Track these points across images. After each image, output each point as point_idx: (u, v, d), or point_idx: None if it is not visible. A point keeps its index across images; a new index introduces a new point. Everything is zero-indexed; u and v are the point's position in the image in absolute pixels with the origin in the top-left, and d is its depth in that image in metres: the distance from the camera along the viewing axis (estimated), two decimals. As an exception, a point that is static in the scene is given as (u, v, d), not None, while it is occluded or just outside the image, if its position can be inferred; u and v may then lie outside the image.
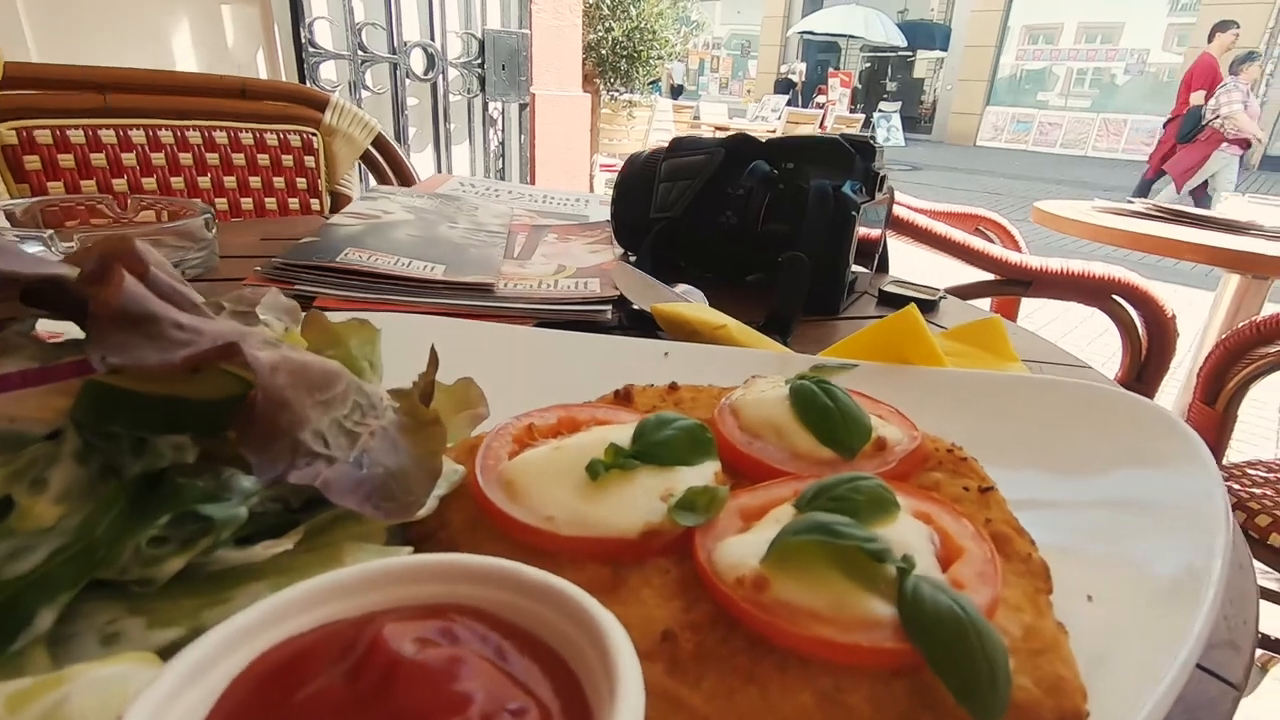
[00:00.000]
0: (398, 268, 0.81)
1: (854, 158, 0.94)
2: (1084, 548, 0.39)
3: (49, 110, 1.39)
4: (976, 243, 1.88)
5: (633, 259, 0.98)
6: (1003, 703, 0.25)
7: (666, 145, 1.06)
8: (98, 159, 1.45)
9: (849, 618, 0.28)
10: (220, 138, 1.59)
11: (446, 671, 0.23)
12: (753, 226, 0.99)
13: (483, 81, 4.30)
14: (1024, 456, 0.48)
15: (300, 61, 3.44)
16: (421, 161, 4.10)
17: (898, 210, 1.86)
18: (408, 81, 3.84)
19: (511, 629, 0.26)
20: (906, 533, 0.33)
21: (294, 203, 1.71)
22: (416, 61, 3.90)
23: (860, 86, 20.68)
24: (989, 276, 1.97)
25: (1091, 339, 4.63)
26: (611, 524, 0.34)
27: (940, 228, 1.85)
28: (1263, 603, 1.71)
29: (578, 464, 0.36)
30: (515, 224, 1.14)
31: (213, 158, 1.59)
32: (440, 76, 4.02)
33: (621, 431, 0.39)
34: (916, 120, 21.00)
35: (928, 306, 1.02)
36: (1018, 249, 2.34)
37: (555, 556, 0.34)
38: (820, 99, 15.36)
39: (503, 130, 4.66)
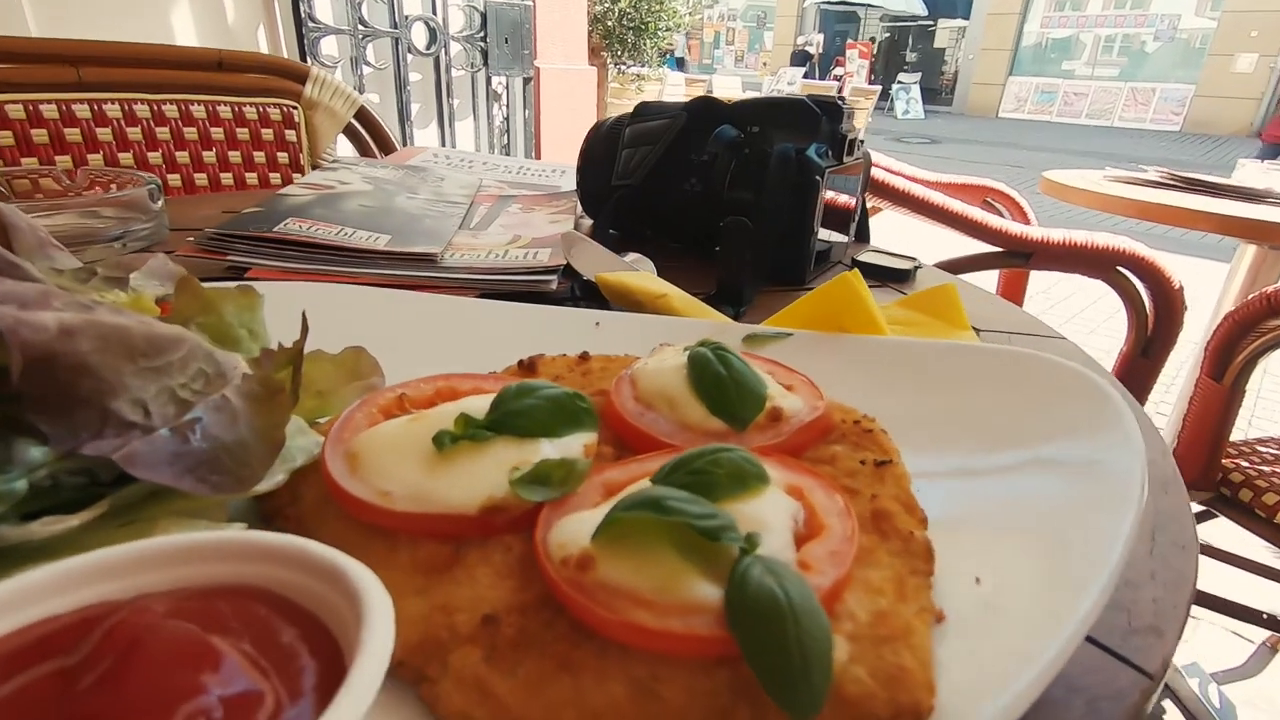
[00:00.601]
0: (339, 238, 0.79)
1: (820, 120, 0.89)
2: (990, 524, 0.36)
3: (20, 85, 1.37)
4: (975, 213, 1.82)
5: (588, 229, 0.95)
6: (816, 698, 0.23)
7: (632, 110, 1.02)
8: (72, 134, 1.44)
9: (671, 602, 0.25)
10: (198, 111, 1.57)
11: (183, 657, 0.21)
12: (717, 194, 0.95)
13: (485, 55, 4.24)
14: (949, 426, 0.45)
15: (300, 37, 3.41)
16: (426, 138, 4.06)
17: (891, 180, 1.80)
18: (409, 56, 3.79)
19: (281, 604, 0.23)
20: (765, 509, 0.30)
21: (275, 177, 1.69)
22: (418, 36, 3.85)
23: (879, 58, 20.20)
24: (991, 249, 1.90)
25: (1110, 315, 4.51)
26: (450, 499, 0.31)
27: (936, 197, 1.79)
28: (1269, 582, 1.65)
29: (428, 436, 0.33)
30: (481, 195, 1.12)
31: (190, 132, 1.57)
32: (442, 51, 3.97)
33: (486, 401, 0.36)
34: (937, 92, 20.46)
35: (903, 276, 0.98)
36: (1026, 222, 2.27)
37: (394, 534, 0.32)
38: (838, 71, 15.04)
39: (507, 105, 4.60)
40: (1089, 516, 0.34)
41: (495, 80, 4.38)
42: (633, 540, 0.27)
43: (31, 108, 1.39)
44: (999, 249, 1.88)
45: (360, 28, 3.57)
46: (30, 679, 0.20)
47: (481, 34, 4.17)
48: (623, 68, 6.10)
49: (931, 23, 20.91)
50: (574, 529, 0.28)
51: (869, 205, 2.33)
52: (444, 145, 4.08)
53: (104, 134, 1.48)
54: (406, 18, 3.75)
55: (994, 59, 19.17)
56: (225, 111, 1.61)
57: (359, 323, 0.57)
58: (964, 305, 0.68)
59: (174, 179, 1.58)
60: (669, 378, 0.41)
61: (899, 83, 16.70)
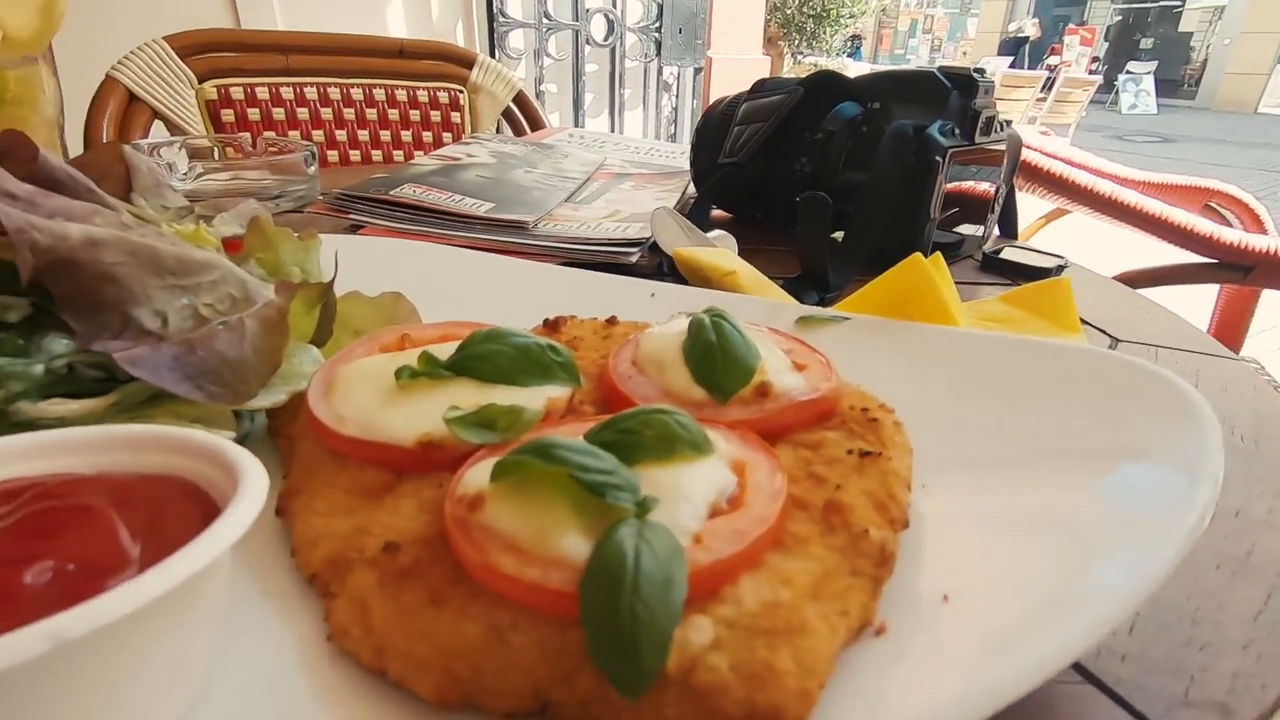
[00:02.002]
0: (445, 203, 0.84)
1: (948, 94, 0.80)
2: (1007, 536, 0.31)
3: (242, 71, 1.61)
4: (1179, 216, 1.55)
5: (675, 206, 0.93)
6: (644, 675, 0.20)
7: (751, 86, 0.99)
8: (278, 112, 1.66)
9: (540, 553, 0.24)
10: (379, 94, 1.75)
11: (71, 525, 0.23)
12: (830, 175, 0.89)
13: (659, 46, 4.31)
14: (995, 427, 0.39)
15: (491, 30, 3.68)
16: (596, 126, 4.22)
17: (1066, 173, 1.58)
18: (587, 48, 3.96)
19: (185, 488, 0.26)
20: (686, 478, 0.27)
21: (438, 156, 1.84)
22: (597, 28, 4.00)
23: (1108, 44, 17.81)
24: (1200, 260, 1.62)
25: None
26: (391, 431, 0.32)
27: (1127, 196, 1.55)
28: None
29: (395, 370, 0.35)
30: (601, 172, 1.14)
31: (371, 112, 1.76)
32: (618, 42, 4.09)
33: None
34: (1176, 83, 17.58)
35: (1043, 277, 0.86)
36: (1263, 232, 1.89)
37: (345, 458, 0.33)
38: (1052, 60, 13.47)
39: (676, 95, 4.65)
40: (1122, 543, 0.28)
41: (667, 70, 4.44)
42: (529, 489, 0.26)
43: (249, 90, 1.62)
44: (1210, 260, 1.59)
45: (545, 21, 3.78)
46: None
47: (657, 25, 4.24)
48: (799, 57, 5.91)
49: (1179, 2, 18.02)
50: (484, 471, 0.28)
51: (1053, 206, 2.07)
52: (613, 133, 4.21)
53: (302, 113, 1.69)
54: (587, 10, 3.91)
55: (1257, 44, 16.10)
56: (401, 95, 1.78)
57: (439, 276, 0.61)
58: (1119, 311, 0.58)
59: (355, 154, 1.77)
60: (666, 343, 0.39)
61: (1128, 72, 14.58)
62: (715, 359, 0.36)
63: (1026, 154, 1.99)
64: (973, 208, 0.94)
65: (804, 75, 0.92)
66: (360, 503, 0.31)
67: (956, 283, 0.83)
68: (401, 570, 0.27)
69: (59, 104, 0.69)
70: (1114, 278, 1.00)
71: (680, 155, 1.32)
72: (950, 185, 0.86)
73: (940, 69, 0.82)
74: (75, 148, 1.05)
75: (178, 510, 0.25)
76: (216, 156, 1.07)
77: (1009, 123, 0.90)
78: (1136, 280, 1.52)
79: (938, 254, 0.54)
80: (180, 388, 0.34)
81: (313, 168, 1.00)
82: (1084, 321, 0.70)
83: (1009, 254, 0.91)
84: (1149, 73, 14.63)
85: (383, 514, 0.30)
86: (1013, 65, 10.73)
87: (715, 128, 0.99)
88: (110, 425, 0.29)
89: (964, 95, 0.80)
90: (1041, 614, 0.25)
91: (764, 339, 0.41)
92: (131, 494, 0.25)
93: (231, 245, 0.48)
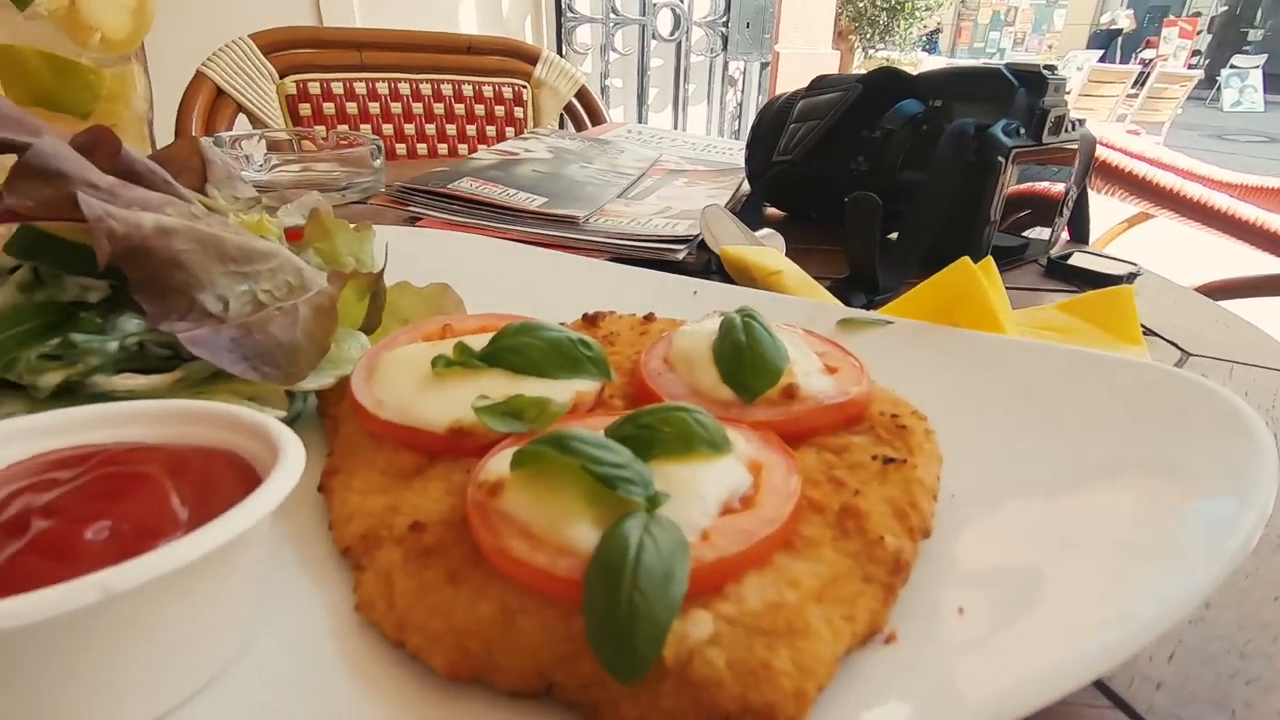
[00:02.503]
0: (500, 197, 0.87)
1: (1014, 91, 0.77)
2: (1036, 552, 0.30)
3: (319, 67, 1.68)
4: (1275, 222, 1.44)
5: (727, 204, 0.93)
6: (639, 663, 0.21)
7: (809, 83, 0.97)
8: (351, 107, 1.73)
9: (553, 541, 0.25)
10: (446, 90, 1.80)
11: (129, 488, 0.25)
12: (887, 174, 0.87)
13: (725, 40, 4.27)
14: (1036, 438, 0.38)
15: (559, 26, 3.72)
16: (660, 121, 4.22)
17: (1158, 177, 1.49)
18: (653, 42, 3.96)
19: (233, 461, 0.28)
20: (701, 475, 0.28)
21: (501, 150, 1.88)
22: (664, 22, 3.99)
23: (1211, 36, 16.63)
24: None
25: None
26: (424, 416, 0.33)
27: (1219, 200, 1.45)
28: None
29: (431, 359, 0.36)
30: (656, 168, 1.14)
31: (438, 108, 1.81)
32: (684, 36, 4.08)
33: (503, 337, 0.38)
34: (1293, 79, 16.29)
35: (1112, 285, 0.82)
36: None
37: (383, 440, 0.35)
38: (1147, 53, 12.69)
39: (742, 90, 4.60)
40: (1156, 565, 0.27)
41: (732, 66, 4.40)
42: (546, 478, 0.27)
43: (325, 85, 1.69)
44: (1310, 270, 1.48)
45: (612, 16, 3.79)
46: (32, 485, 0.26)
47: (724, 19, 4.20)
48: (871, 52, 5.76)
49: (1297, -10, 16.64)
50: (505, 459, 0.29)
51: (1138, 209, 1.96)
52: (676, 129, 4.20)
53: (374, 107, 1.75)
54: (654, 5, 3.90)
55: (1388, 35, 14.75)
56: (467, 90, 1.82)
57: (487, 269, 0.63)
58: (1193, 323, 0.55)
59: (422, 148, 1.83)
60: (697, 341, 0.40)
61: (1233, 67, 13.58)
62: (743, 358, 0.36)
63: (1106, 154, 1.89)
64: (1045, 210, 0.90)
65: (865, 72, 0.90)
66: (393, 483, 0.33)
67: (1018, 288, 0.81)
68: (425, 549, 0.28)
69: (149, 99, 0.74)
70: (1195, 288, 0.95)
71: (739, 152, 1.31)
72: (1023, 187, 0.83)
73: (1008, 65, 0.79)
74: (166, 139, 1.13)
75: (225, 480, 0.27)
76: (293, 149, 1.13)
77: (1082, 121, 0.86)
78: (1220, 291, 1.43)
79: (989, 258, 0.52)
80: (236, 368, 0.36)
81: (378, 161, 1.04)
82: (1153, 333, 0.67)
83: (1078, 260, 0.87)
84: (1256, 67, 13.56)
85: (412, 495, 0.32)
86: (1103, 59, 10.15)
87: (770, 125, 0.98)
88: (171, 400, 0.31)
89: (1032, 93, 0.77)
90: (1058, 631, 0.24)
91: (796, 340, 0.41)
92: (185, 464, 0.27)
93: (293, 235, 0.51)
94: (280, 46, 1.61)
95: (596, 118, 1.90)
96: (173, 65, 1.32)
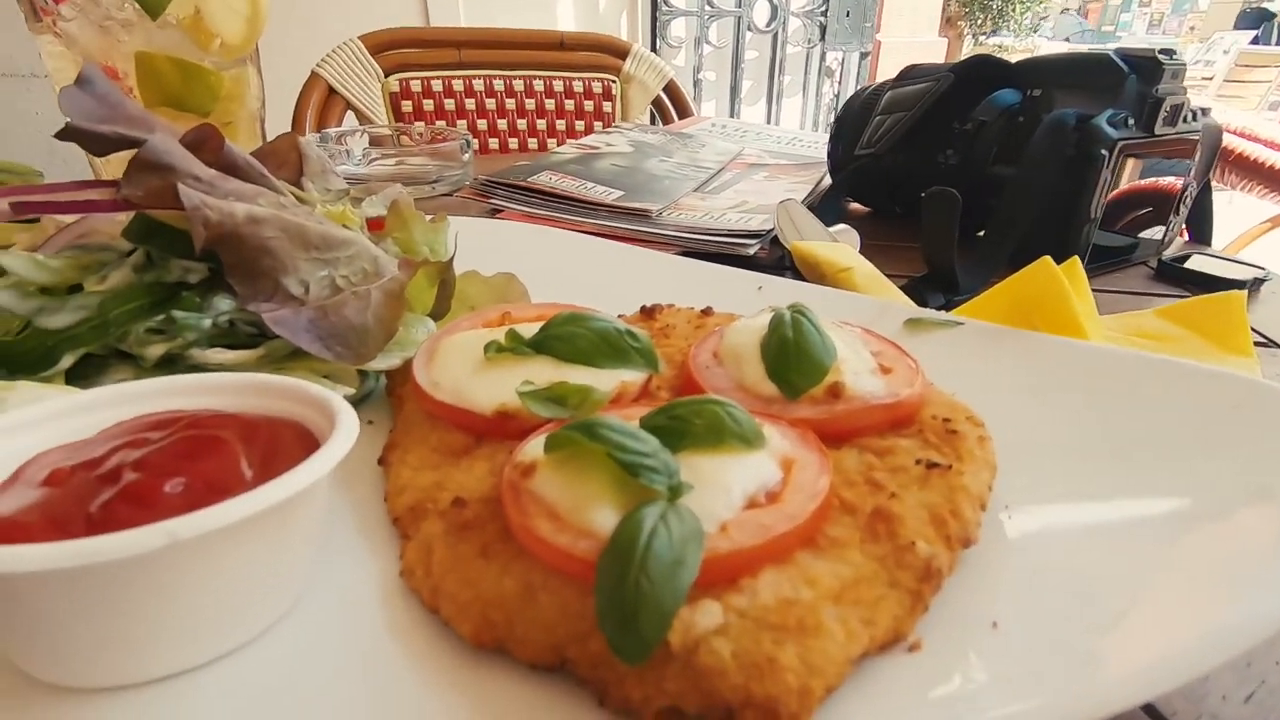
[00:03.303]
0: (577, 190, 0.88)
1: (1124, 79, 0.71)
2: (1080, 573, 0.28)
3: (421, 65, 1.77)
4: None
5: (806, 199, 0.91)
6: (642, 646, 0.21)
7: (898, 73, 0.93)
8: (449, 103, 1.81)
9: (575, 523, 0.26)
10: (538, 85, 1.85)
11: (204, 450, 0.28)
12: (978, 168, 0.82)
13: (823, 30, 4.15)
14: (1102, 452, 0.36)
15: (654, 20, 3.73)
16: (753, 115, 4.16)
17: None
18: (749, 34, 3.90)
19: (297, 430, 0.31)
20: (728, 469, 0.28)
21: (589, 144, 1.92)
22: (760, 13, 3.93)
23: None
24: None
25: None
26: (474, 399, 0.35)
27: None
28: None
29: (484, 345, 0.38)
30: (737, 162, 1.13)
31: (530, 103, 1.86)
32: (781, 27, 3.99)
33: (555, 326, 0.39)
34: None
35: (1235, 290, 0.75)
36: None
37: (438, 419, 0.37)
38: (1309, 33, 11.29)
39: (839, 81, 4.47)
40: (1224, 593, 0.25)
41: (830, 56, 4.27)
42: (578, 462, 0.28)
43: (425, 82, 1.78)
44: None
45: (707, 8, 3.77)
46: (129, 442, 0.29)
47: (823, 8, 4.08)
48: (982, 39, 5.43)
49: None
50: (541, 442, 0.30)
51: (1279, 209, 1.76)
52: (769, 122, 4.13)
53: (470, 103, 1.83)
54: (751, -4, 3.84)
55: None
56: (558, 85, 1.87)
57: (557, 260, 0.65)
58: None
59: (513, 142, 1.89)
60: (747, 336, 0.40)
61: None
62: (788, 355, 0.36)
63: (1245, 146, 1.70)
64: (1152, 206, 0.83)
65: (959, 60, 0.86)
66: (443, 460, 0.34)
67: (1121, 291, 0.75)
68: (463, 523, 0.30)
69: (262, 98, 0.80)
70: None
71: (822, 146, 1.28)
72: (1144, 183, 0.77)
73: (1118, 50, 0.73)
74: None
75: (289, 447, 0.30)
76: (393, 144, 1.19)
77: (1205, 111, 0.78)
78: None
79: (1074, 259, 0.49)
80: (313, 347, 0.39)
81: (467, 155, 1.08)
82: (1274, 344, 0.60)
83: (1195, 262, 0.80)
84: None
85: (458, 472, 0.33)
86: (1254, 42, 9.14)
87: (855, 117, 0.95)
88: (249, 374, 0.34)
89: (1144, 80, 0.71)
90: (1098, 655, 0.23)
91: (850, 339, 0.40)
92: (255, 430, 0.30)
93: (374, 224, 0.54)
94: (386, 46, 1.71)
95: (684, 111, 1.90)
96: (288, 66, 1.43)
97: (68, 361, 0.36)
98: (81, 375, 0.37)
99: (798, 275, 0.70)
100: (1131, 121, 0.70)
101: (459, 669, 0.26)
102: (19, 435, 0.29)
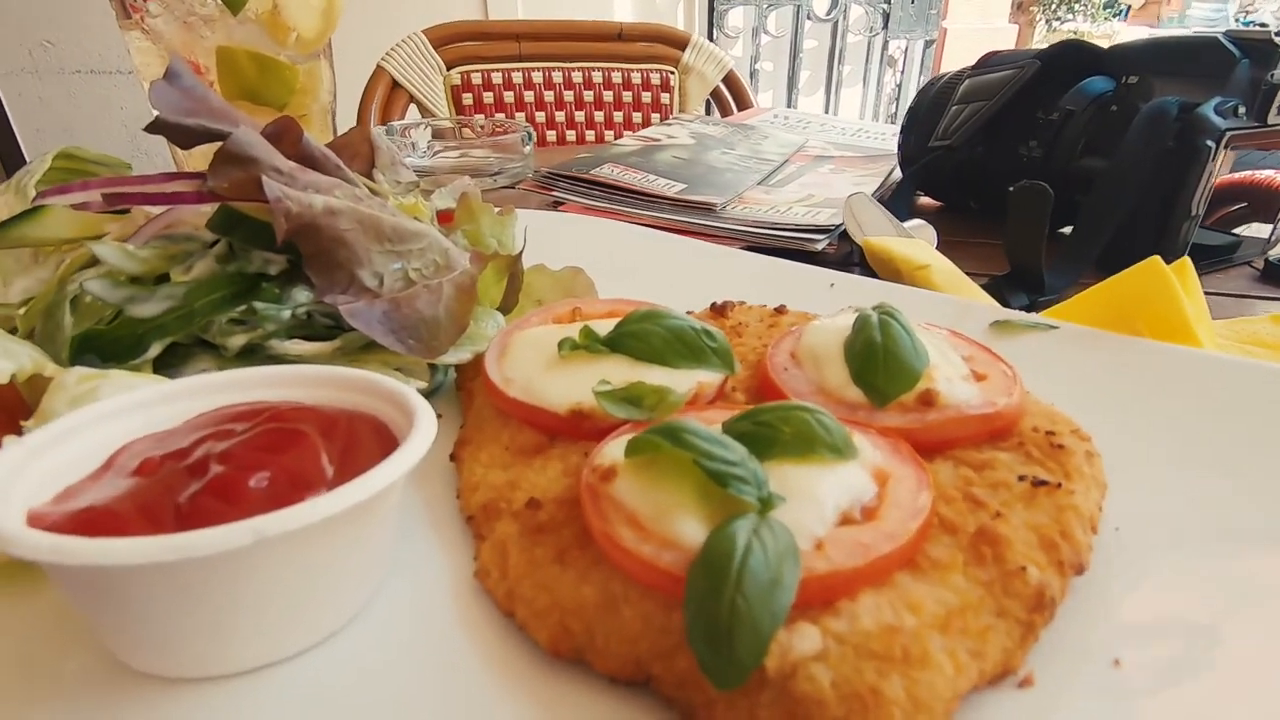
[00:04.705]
0: (639, 183, 0.87)
1: (1234, 65, 0.66)
2: (1203, 606, 0.26)
3: (481, 58, 1.79)
4: None
5: (875, 192, 0.87)
6: (737, 670, 0.20)
7: (977, 60, 0.89)
8: (508, 95, 1.82)
9: (659, 531, 0.25)
10: (596, 77, 1.85)
11: (288, 443, 0.28)
12: (1063, 161, 0.78)
13: (886, 18, 4.02)
14: (1220, 471, 0.33)
15: (711, 9, 3.68)
16: (810, 106, 4.07)
17: None
18: (808, 23, 3.81)
19: (374, 425, 0.31)
20: (819, 480, 0.26)
21: (646, 136, 1.90)
22: (820, 2, 3.83)
23: None
24: None
25: None
26: (547, 397, 0.34)
27: None
28: None
29: (558, 342, 0.37)
30: (800, 154, 1.10)
31: (588, 94, 1.86)
32: (841, 15, 3.89)
33: (627, 323, 0.38)
34: None
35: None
36: None
37: (509, 416, 0.36)
38: None
39: (902, 71, 4.33)
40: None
41: (893, 44, 4.14)
42: (658, 468, 0.27)
43: (485, 75, 1.79)
44: None
45: (766, -1, 3.70)
46: (214, 433, 0.29)
47: (887, -6, 3.96)
48: (1055, 24, 5.18)
49: None
50: (620, 444, 0.29)
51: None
52: (827, 113, 4.03)
53: (529, 95, 1.83)
54: (812, -16, 3.75)
55: None
56: (616, 77, 1.86)
57: (622, 253, 0.64)
58: None
59: (570, 134, 1.89)
60: (827, 338, 0.38)
61: None
62: (876, 359, 0.34)
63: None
64: (1265, 203, 0.76)
65: (1046, 46, 0.81)
66: (515, 459, 0.34)
67: (1223, 294, 0.70)
68: (538, 526, 0.29)
69: (334, 92, 0.82)
70: None
71: (889, 138, 1.24)
72: (1237, 176, 0.71)
73: (1228, 33, 0.68)
74: (347, 127, 1.24)
75: (366, 442, 0.30)
76: (455, 136, 1.21)
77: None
78: None
79: (1185, 259, 0.45)
80: (386, 340, 0.39)
81: (528, 147, 1.08)
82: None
83: (1303, 262, 0.74)
84: None
85: (531, 472, 0.33)
86: (1360, 23, 8.47)
87: (929, 107, 0.91)
88: (326, 366, 0.34)
89: (1258, 65, 0.65)
90: (1235, 701, 0.21)
91: (940, 342, 0.37)
92: (334, 424, 0.30)
93: (444, 217, 0.54)
94: (448, 40, 1.73)
95: (743, 102, 1.87)
96: (352, 59, 1.45)
97: (155, 350, 0.36)
98: (166, 364, 0.38)
99: (869, 272, 0.67)
100: (1241, 110, 0.65)
101: (535, 677, 0.25)
102: (110, 423, 0.30)
